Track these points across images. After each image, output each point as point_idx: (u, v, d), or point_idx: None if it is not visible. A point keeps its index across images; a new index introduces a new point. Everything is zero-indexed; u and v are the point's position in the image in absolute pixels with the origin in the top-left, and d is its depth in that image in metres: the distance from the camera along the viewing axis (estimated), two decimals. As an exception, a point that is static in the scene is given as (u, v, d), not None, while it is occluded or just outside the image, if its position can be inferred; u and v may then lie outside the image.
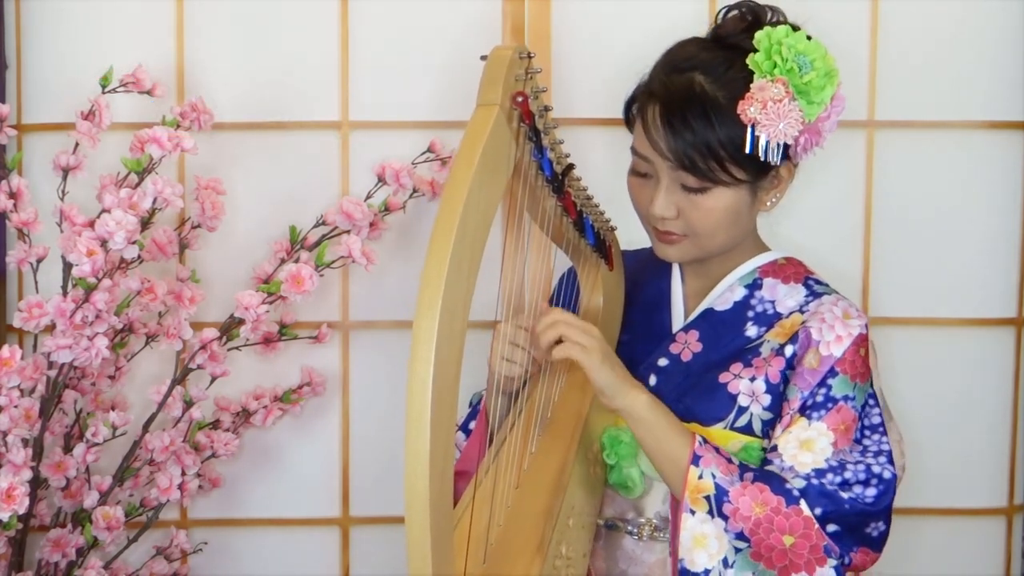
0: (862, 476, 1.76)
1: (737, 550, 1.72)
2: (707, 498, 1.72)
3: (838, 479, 1.75)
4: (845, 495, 1.74)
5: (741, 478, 1.73)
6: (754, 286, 1.89)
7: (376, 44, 2.43)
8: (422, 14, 2.41)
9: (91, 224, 2.07)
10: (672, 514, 1.78)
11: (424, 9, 2.41)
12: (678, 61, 1.79)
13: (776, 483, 1.73)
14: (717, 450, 1.76)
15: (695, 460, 1.73)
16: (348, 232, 2.26)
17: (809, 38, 1.76)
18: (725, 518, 1.72)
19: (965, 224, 2.45)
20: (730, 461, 1.75)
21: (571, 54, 2.42)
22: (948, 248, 2.45)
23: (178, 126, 2.20)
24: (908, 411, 2.37)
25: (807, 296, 1.86)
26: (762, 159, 1.73)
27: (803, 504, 1.72)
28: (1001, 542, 2.52)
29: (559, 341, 1.73)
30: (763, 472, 1.76)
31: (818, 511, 1.72)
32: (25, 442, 2.09)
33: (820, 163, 2.17)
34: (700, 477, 1.73)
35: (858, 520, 1.74)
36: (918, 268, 2.45)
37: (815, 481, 1.74)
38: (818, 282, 1.90)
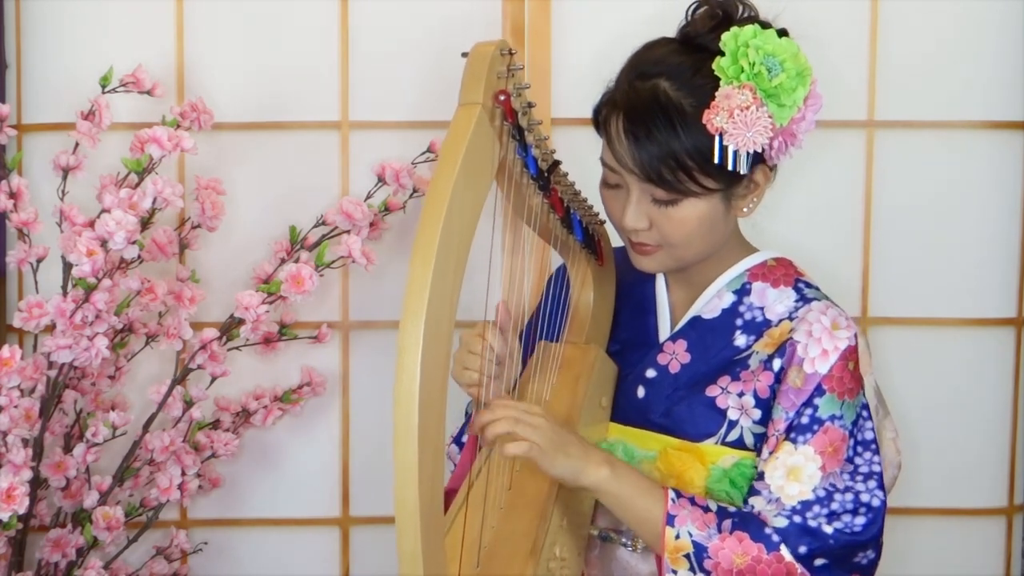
0: (850, 506, 1.72)
1: None
2: (687, 556, 1.69)
3: (824, 511, 1.71)
4: (830, 529, 1.70)
5: (719, 529, 1.69)
6: (743, 291, 1.83)
7: (376, 44, 2.43)
8: (422, 14, 2.41)
9: (91, 224, 2.07)
10: (657, 566, 1.75)
11: (424, 9, 2.41)
12: (644, 66, 1.72)
13: (755, 529, 1.70)
14: (692, 500, 1.71)
15: (669, 520, 1.69)
16: (348, 232, 2.26)
17: (784, 33, 1.69)
18: (707, 573, 1.68)
19: (965, 224, 2.45)
20: (707, 510, 1.71)
21: (571, 54, 2.42)
22: (948, 248, 2.45)
23: (178, 126, 2.20)
24: (908, 411, 2.37)
25: (797, 301, 1.80)
26: (730, 169, 1.66)
27: (783, 549, 1.68)
28: (1001, 542, 2.52)
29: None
30: (742, 517, 1.71)
31: (803, 549, 1.69)
32: (25, 442, 2.10)
33: (820, 163, 2.18)
34: (677, 537, 1.68)
35: (845, 552, 1.71)
36: (918, 268, 2.45)
37: (797, 519, 1.70)
38: (808, 285, 1.83)
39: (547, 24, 2.41)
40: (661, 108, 1.66)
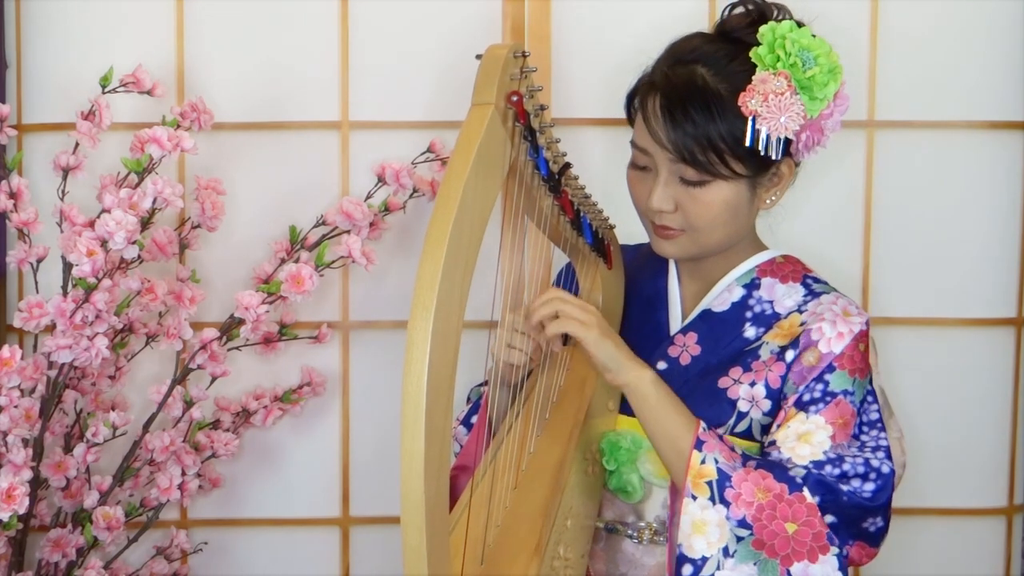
0: (860, 470, 1.74)
1: (739, 539, 1.69)
2: (709, 483, 1.70)
3: (836, 471, 1.73)
4: (844, 487, 1.73)
5: (744, 464, 1.72)
6: (752, 286, 1.87)
7: (376, 44, 2.43)
8: (422, 14, 2.41)
9: (91, 224, 2.07)
10: (671, 499, 1.77)
11: (424, 9, 2.41)
12: (681, 53, 1.78)
13: (779, 471, 1.72)
14: (720, 438, 1.75)
15: (698, 444, 1.71)
16: (348, 232, 2.26)
17: (813, 36, 1.75)
18: (727, 504, 1.70)
19: (965, 224, 2.45)
20: (732, 449, 1.74)
21: (571, 54, 2.43)
22: (948, 248, 2.45)
23: (178, 126, 2.20)
24: (908, 411, 2.37)
25: (806, 295, 1.85)
26: (762, 153, 1.71)
27: (806, 491, 1.71)
28: (1001, 542, 2.52)
29: (556, 317, 1.71)
30: (766, 460, 1.75)
31: (816, 499, 1.71)
32: (25, 442, 2.09)
33: (821, 163, 2.18)
34: (703, 462, 1.71)
35: (855, 513, 1.73)
36: (918, 268, 2.45)
37: (814, 471, 1.72)
38: (817, 280, 1.88)
39: (547, 24, 2.41)
40: (699, 91, 1.73)
